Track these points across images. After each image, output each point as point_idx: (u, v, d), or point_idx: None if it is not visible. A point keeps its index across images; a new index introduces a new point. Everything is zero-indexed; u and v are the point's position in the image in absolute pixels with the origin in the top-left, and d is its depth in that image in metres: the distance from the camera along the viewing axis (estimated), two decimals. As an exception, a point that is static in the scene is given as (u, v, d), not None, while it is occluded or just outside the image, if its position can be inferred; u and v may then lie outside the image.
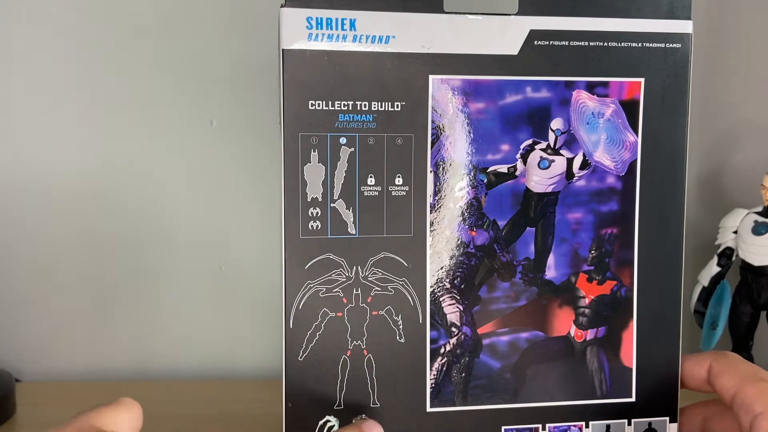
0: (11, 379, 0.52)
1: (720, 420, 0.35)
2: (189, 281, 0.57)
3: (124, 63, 0.55)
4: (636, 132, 0.35)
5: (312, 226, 0.33)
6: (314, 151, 0.33)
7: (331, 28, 0.33)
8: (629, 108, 0.35)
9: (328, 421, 0.34)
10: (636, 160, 0.35)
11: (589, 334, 0.36)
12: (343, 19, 0.33)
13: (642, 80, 0.35)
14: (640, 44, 0.35)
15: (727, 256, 0.53)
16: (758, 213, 0.52)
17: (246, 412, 0.51)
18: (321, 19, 0.33)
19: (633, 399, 0.36)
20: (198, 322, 0.58)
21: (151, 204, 0.56)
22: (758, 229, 0.51)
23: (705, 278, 0.54)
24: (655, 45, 0.35)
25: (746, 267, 0.52)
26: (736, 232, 0.52)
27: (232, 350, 0.58)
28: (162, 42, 0.55)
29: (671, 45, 0.35)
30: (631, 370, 0.36)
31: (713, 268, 0.53)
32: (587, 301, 0.36)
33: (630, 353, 0.36)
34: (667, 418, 0.36)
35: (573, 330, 0.36)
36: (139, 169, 0.56)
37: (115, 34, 0.55)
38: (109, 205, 0.56)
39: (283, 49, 0.33)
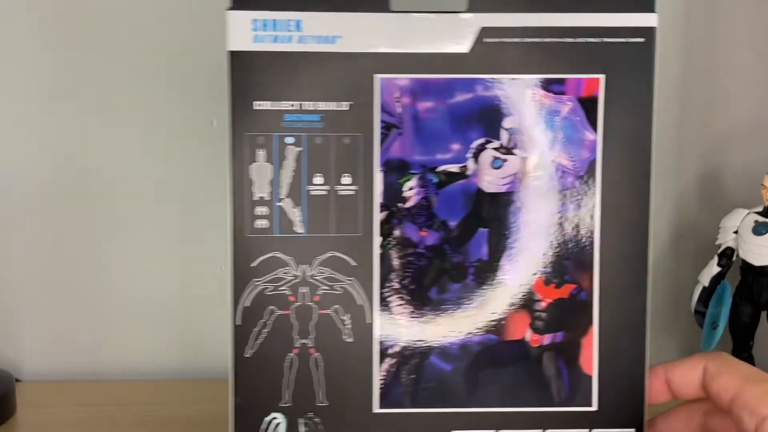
0: (11, 379, 0.52)
1: (720, 417, 0.33)
2: (189, 281, 0.58)
3: (106, 62, 0.55)
4: (595, 130, 0.34)
5: (259, 224, 0.34)
6: (261, 151, 0.33)
7: (277, 30, 0.33)
8: (588, 105, 0.34)
9: (274, 418, 0.34)
10: (596, 159, 0.34)
11: (546, 339, 0.35)
12: (288, 21, 0.33)
13: (602, 77, 0.34)
14: (598, 39, 0.33)
15: (727, 256, 0.51)
16: (759, 213, 0.50)
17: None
18: (267, 20, 0.33)
19: (594, 408, 0.35)
20: (198, 322, 0.58)
21: (153, 204, 0.57)
22: (758, 229, 0.49)
23: (705, 278, 0.52)
24: (615, 40, 0.34)
25: (747, 267, 0.50)
26: (736, 232, 0.51)
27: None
28: (141, 41, 0.55)
29: (634, 39, 0.34)
30: (591, 377, 0.35)
31: (713, 268, 0.52)
32: (544, 304, 0.35)
33: (590, 360, 0.35)
34: (633, 430, 0.35)
35: (528, 334, 0.35)
36: (140, 168, 0.56)
37: (93, 30, 0.54)
38: (111, 203, 0.56)
39: (229, 51, 0.33)
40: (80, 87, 0.55)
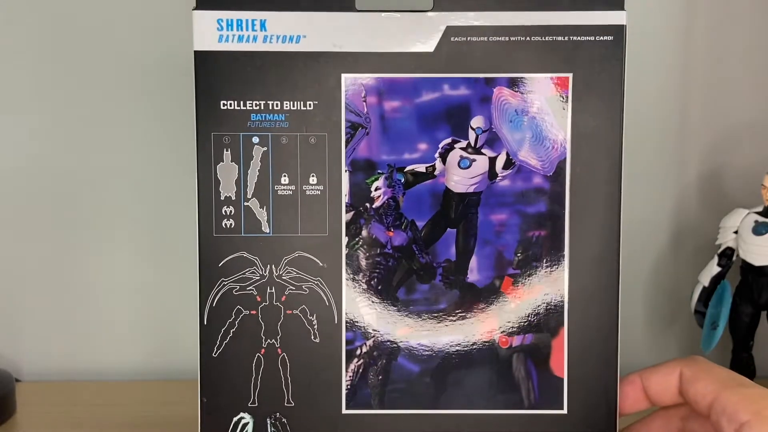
0: (11, 379, 0.51)
1: (698, 421, 0.33)
2: (187, 281, 0.57)
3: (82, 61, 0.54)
4: (564, 130, 0.33)
5: (226, 224, 0.34)
6: (227, 151, 0.34)
7: (242, 29, 0.33)
8: (556, 104, 0.33)
9: (242, 418, 0.34)
10: (565, 158, 0.34)
11: (516, 341, 0.35)
12: (253, 20, 0.33)
13: (570, 75, 0.33)
14: (566, 38, 0.33)
15: (727, 256, 0.50)
16: (759, 213, 0.48)
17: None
18: (231, 20, 0.33)
19: (564, 411, 0.34)
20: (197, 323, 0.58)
21: (156, 205, 0.57)
22: (758, 229, 0.48)
23: (705, 278, 0.51)
24: (583, 38, 0.33)
25: (747, 267, 0.49)
26: (736, 232, 0.49)
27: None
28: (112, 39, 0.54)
29: (602, 38, 0.33)
30: (562, 380, 0.34)
31: (714, 268, 0.51)
32: (513, 306, 0.34)
33: (561, 362, 0.34)
34: None
35: (498, 336, 0.35)
36: (115, 168, 0.55)
37: (63, 31, 0.53)
38: (114, 204, 0.56)
39: (195, 51, 0.33)
40: (54, 89, 0.55)
